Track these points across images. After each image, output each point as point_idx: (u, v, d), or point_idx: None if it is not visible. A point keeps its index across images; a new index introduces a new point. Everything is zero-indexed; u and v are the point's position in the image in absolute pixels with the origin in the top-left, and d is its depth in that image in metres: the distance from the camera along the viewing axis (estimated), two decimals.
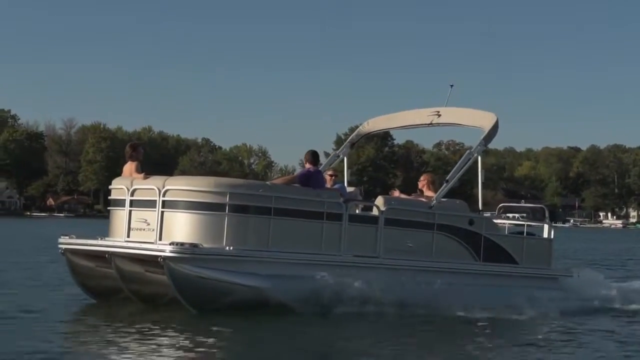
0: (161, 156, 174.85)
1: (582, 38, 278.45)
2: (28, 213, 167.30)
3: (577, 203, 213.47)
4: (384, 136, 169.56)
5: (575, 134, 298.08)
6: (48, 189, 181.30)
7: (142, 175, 17.09)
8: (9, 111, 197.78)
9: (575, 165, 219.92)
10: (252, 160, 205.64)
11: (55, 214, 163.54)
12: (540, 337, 15.72)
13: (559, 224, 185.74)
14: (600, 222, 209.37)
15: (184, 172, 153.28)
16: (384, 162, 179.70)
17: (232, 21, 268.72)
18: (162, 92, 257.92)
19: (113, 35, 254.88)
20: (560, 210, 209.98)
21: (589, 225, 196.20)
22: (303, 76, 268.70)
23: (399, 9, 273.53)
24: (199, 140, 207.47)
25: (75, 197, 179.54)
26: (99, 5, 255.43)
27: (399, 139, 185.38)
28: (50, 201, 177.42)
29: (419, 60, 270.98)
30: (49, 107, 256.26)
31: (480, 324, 16.49)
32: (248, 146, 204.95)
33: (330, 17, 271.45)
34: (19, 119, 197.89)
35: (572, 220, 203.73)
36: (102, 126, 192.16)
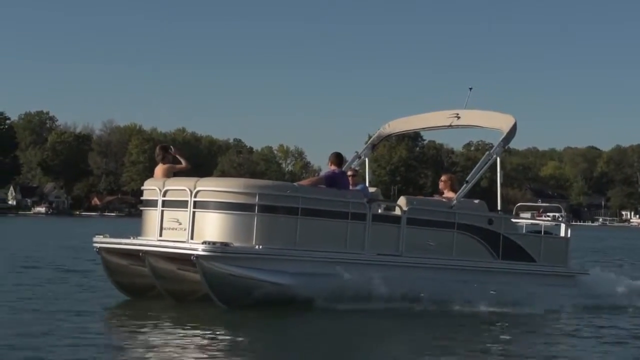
0: (194, 157, 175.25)
1: (599, 37, 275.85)
2: (77, 212, 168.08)
3: (603, 202, 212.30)
4: (414, 137, 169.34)
5: (593, 133, 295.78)
6: (91, 189, 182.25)
7: (185, 164, 17.91)
8: (47, 113, 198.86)
9: (599, 165, 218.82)
10: (288, 161, 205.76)
11: (106, 214, 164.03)
12: (555, 331, 15.75)
13: (588, 223, 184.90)
14: (628, 220, 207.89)
15: (223, 173, 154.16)
16: (415, 163, 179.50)
17: (262, 19, 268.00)
18: (193, 93, 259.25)
19: (143, 36, 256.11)
20: (586, 209, 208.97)
21: (616, 225, 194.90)
22: (334, 75, 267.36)
23: (434, 9, 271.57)
24: (231, 140, 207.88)
25: (119, 196, 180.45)
26: (130, 6, 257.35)
27: (426, 139, 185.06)
28: (95, 201, 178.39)
29: (445, 60, 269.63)
30: (82, 107, 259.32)
31: (499, 319, 16.49)
32: (285, 147, 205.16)
33: (363, 15, 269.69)
34: (56, 120, 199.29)
35: (600, 219, 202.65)
36: (137, 127, 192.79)
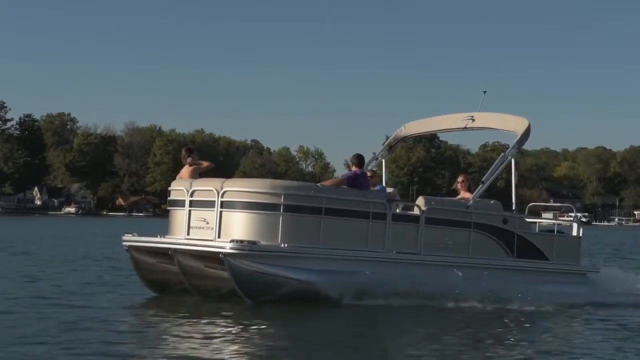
0: (212, 158, 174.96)
1: (611, 37, 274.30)
2: (104, 212, 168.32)
3: (616, 202, 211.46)
4: (431, 138, 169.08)
5: (603, 133, 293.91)
6: (115, 190, 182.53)
7: (207, 163, 18.20)
8: (69, 114, 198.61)
9: (612, 165, 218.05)
10: (308, 162, 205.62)
11: (134, 214, 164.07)
12: (568, 328, 15.97)
13: (604, 222, 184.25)
14: None
15: (245, 174, 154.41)
16: (432, 163, 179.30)
17: (280, 19, 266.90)
18: (209, 94, 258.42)
19: (158, 37, 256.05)
20: (600, 209, 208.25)
21: (632, 224, 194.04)
22: (350, 76, 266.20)
23: (449, 11, 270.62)
24: (249, 141, 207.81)
25: (143, 197, 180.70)
26: (146, 8, 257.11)
27: (443, 140, 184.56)
28: (120, 201, 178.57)
29: (460, 61, 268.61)
30: (100, 108, 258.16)
31: (514, 315, 16.73)
32: (305, 148, 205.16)
33: (381, 16, 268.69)
34: (77, 121, 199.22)
35: (616, 219, 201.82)
36: (157, 128, 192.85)
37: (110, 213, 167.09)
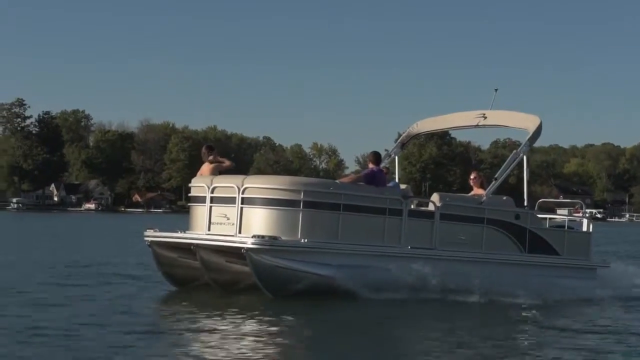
0: (225, 154, 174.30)
1: (620, 34, 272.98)
2: (122, 208, 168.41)
3: (626, 198, 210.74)
4: (443, 135, 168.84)
5: (609, 130, 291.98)
6: (131, 186, 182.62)
7: (229, 162, 18.38)
8: (83, 111, 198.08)
9: (621, 162, 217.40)
10: (322, 159, 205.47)
11: (152, 210, 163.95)
12: (582, 322, 15.97)
13: (615, 219, 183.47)
14: None
15: (259, 171, 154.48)
16: (444, 160, 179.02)
17: (290, 16, 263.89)
18: (222, 90, 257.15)
19: (173, 34, 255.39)
20: (609, 205, 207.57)
21: None
22: (361, 73, 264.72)
23: (461, 8, 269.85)
24: (260, 138, 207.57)
25: (160, 193, 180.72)
26: (161, 5, 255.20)
27: (454, 137, 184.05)
28: (136, 197, 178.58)
29: (471, 59, 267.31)
30: (113, 105, 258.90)
31: (527, 309, 16.94)
32: (318, 145, 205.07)
33: (393, 13, 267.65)
34: (92, 118, 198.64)
35: (627, 215, 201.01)
36: (171, 125, 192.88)
37: (128, 209, 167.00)
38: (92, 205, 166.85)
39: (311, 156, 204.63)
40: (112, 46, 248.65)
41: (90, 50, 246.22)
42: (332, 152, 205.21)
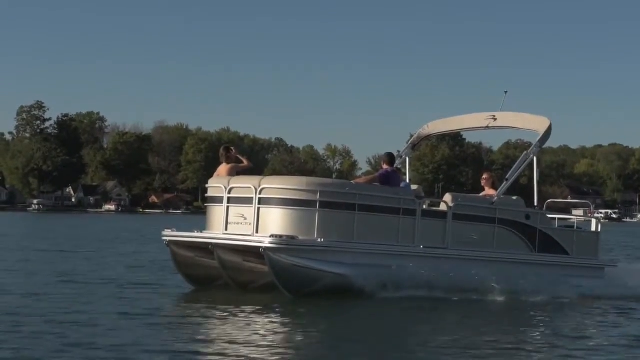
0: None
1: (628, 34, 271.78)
2: (140, 210, 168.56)
3: (637, 199, 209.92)
4: (455, 136, 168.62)
5: (617, 130, 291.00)
6: (148, 187, 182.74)
7: (247, 162, 18.44)
8: (98, 113, 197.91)
9: (632, 162, 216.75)
10: (335, 160, 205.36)
11: (171, 211, 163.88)
12: (590, 319, 16.12)
13: (627, 219, 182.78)
14: None
15: (274, 171, 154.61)
16: (456, 161, 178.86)
17: (303, 18, 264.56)
18: (235, 92, 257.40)
19: (184, 35, 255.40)
20: (620, 205, 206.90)
21: None
22: (373, 74, 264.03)
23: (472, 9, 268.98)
24: (273, 140, 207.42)
25: (177, 194, 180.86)
26: (172, 7, 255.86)
27: (466, 138, 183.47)
28: (153, 199, 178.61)
29: (481, 59, 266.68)
30: (126, 107, 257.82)
31: (537, 307, 17.06)
32: (333, 146, 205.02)
33: (405, 13, 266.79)
34: (106, 120, 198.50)
35: (639, 215, 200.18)
36: (185, 127, 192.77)
37: (147, 210, 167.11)
38: (112, 207, 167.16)
39: (325, 157, 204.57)
40: (123, 48, 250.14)
41: (102, 52, 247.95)
42: (346, 154, 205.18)
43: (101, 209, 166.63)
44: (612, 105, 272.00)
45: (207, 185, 18.37)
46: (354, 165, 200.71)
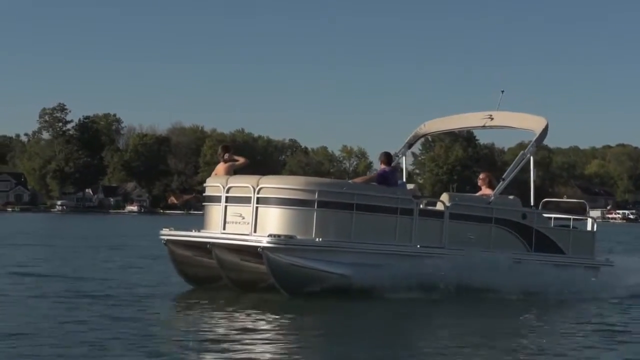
0: (251, 157, 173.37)
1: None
2: (161, 211, 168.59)
3: None
4: (468, 137, 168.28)
5: (624, 130, 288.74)
6: (166, 188, 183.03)
7: (243, 160, 18.40)
8: (115, 115, 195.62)
9: None
10: (351, 161, 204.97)
11: (192, 212, 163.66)
12: (582, 320, 16.03)
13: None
14: None
15: (292, 172, 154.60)
16: (469, 162, 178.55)
17: (315, 17, 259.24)
18: (246, 93, 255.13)
19: (198, 36, 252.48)
20: (630, 206, 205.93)
21: None
22: (383, 74, 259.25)
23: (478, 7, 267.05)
24: (286, 141, 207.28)
25: (195, 195, 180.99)
26: (186, 7, 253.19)
27: (479, 139, 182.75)
28: (173, 200, 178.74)
29: (486, 57, 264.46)
30: (141, 107, 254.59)
31: (532, 304, 17.14)
32: (348, 147, 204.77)
33: (417, 11, 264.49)
34: (122, 122, 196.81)
35: None
36: (200, 128, 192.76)
37: (167, 211, 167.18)
38: (134, 208, 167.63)
39: (341, 158, 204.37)
40: (138, 49, 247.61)
41: (118, 53, 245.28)
42: (362, 155, 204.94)
43: (122, 209, 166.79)
44: (618, 106, 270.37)
45: (205, 185, 18.26)
46: (369, 166, 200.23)
